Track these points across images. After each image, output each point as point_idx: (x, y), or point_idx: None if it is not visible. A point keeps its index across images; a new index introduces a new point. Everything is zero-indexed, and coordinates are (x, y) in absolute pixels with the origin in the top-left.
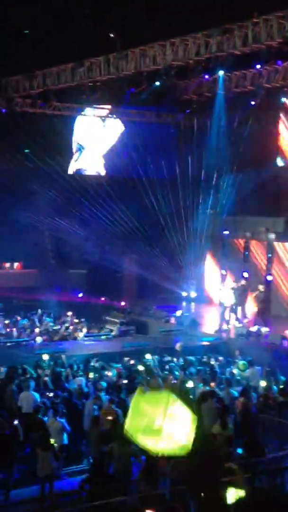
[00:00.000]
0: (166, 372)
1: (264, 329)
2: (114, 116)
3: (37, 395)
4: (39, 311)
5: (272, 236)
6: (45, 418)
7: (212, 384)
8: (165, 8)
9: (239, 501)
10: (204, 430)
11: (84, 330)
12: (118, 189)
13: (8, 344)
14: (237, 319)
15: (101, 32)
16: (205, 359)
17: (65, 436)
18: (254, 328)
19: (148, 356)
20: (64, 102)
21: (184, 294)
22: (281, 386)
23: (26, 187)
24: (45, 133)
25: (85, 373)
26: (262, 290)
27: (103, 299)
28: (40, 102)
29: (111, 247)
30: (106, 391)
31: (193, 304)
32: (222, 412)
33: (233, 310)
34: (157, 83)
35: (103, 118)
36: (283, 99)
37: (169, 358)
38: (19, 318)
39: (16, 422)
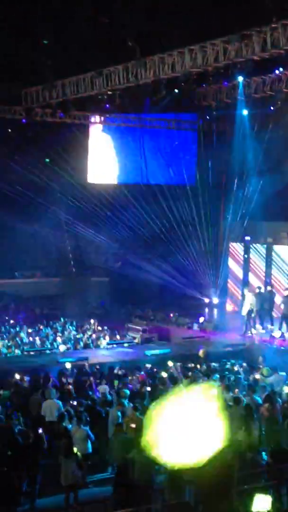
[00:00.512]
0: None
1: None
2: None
3: (60, 403)
4: (62, 319)
5: None
6: (69, 426)
7: (236, 390)
8: (183, 15)
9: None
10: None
11: (107, 338)
12: (138, 196)
13: (32, 353)
14: (261, 324)
15: (119, 40)
16: (228, 366)
17: (89, 444)
18: (278, 334)
19: (170, 363)
20: (83, 111)
21: (206, 300)
22: None
23: (46, 196)
24: (65, 143)
25: (109, 381)
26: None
27: (125, 306)
28: (60, 111)
29: (133, 255)
30: (129, 398)
31: (215, 310)
32: (247, 418)
33: (257, 315)
34: (176, 90)
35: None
36: None
37: (192, 365)
38: (41, 327)
39: (40, 430)
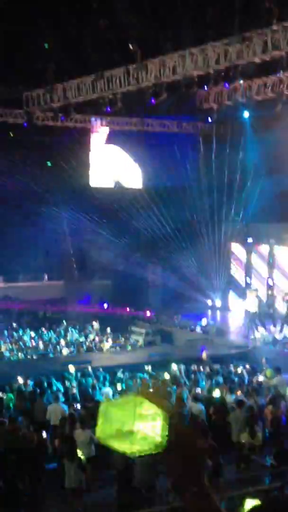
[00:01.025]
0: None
1: None
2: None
3: (66, 408)
4: (64, 323)
5: None
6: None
7: (239, 392)
8: (183, 18)
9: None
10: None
11: (110, 341)
12: (140, 199)
13: (35, 356)
14: (263, 326)
15: (120, 43)
16: (231, 368)
17: (93, 447)
18: (280, 336)
19: (174, 366)
20: (84, 114)
21: (209, 302)
22: None
23: (48, 200)
24: (66, 146)
25: (112, 384)
26: None
27: (128, 309)
28: (61, 115)
29: (135, 257)
30: None
31: (218, 312)
32: (251, 421)
33: (259, 318)
34: (178, 93)
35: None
36: None
37: (195, 367)
38: (45, 330)
39: (44, 434)
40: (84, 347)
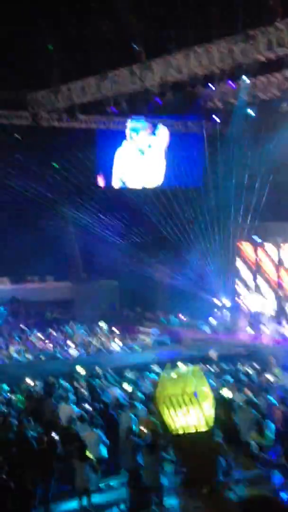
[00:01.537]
0: None
1: None
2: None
3: (75, 408)
4: (72, 323)
5: None
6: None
7: (248, 391)
8: (187, 17)
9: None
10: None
11: (118, 341)
12: (146, 198)
13: (43, 358)
14: (271, 325)
15: (124, 44)
16: (240, 367)
17: (102, 448)
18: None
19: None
20: (89, 115)
21: (217, 301)
22: None
23: (55, 201)
24: (72, 147)
25: (120, 384)
26: None
27: (136, 309)
28: (66, 116)
29: (142, 257)
30: (141, 401)
31: (226, 311)
32: (259, 419)
33: (268, 316)
34: (183, 93)
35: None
36: None
37: (204, 367)
38: (52, 331)
39: (53, 435)
40: (92, 348)
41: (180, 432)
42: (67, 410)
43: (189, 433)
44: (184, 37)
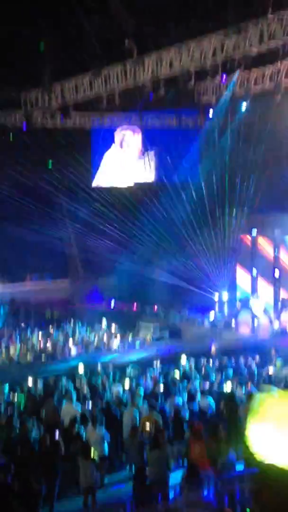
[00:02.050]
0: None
1: None
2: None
3: (78, 407)
4: (72, 322)
5: None
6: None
7: (249, 385)
8: (178, 12)
9: None
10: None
11: (118, 338)
12: (143, 195)
13: (44, 357)
14: (271, 318)
15: (116, 40)
16: (241, 360)
17: (105, 445)
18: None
19: (183, 359)
20: (83, 113)
21: (216, 296)
22: None
23: (51, 201)
24: (67, 146)
25: (122, 381)
26: None
27: (135, 306)
28: (60, 115)
29: (140, 253)
30: (143, 398)
31: (226, 305)
32: None
33: (267, 309)
34: (175, 88)
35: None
36: None
37: (204, 361)
38: (52, 330)
39: (57, 435)
40: (93, 345)
41: (273, 462)
42: (70, 409)
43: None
44: (175, 32)
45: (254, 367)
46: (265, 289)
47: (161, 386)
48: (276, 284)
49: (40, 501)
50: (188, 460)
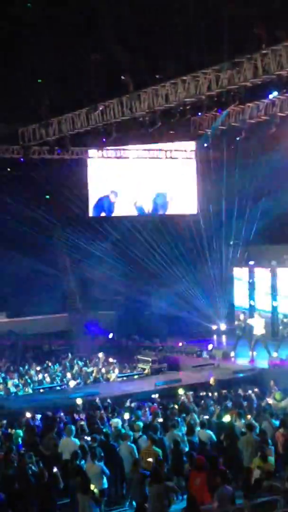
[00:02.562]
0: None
1: None
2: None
3: (77, 441)
4: (70, 355)
5: None
6: (83, 463)
7: (249, 416)
8: (174, 47)
9: None
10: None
11: (117, 370)
12: (140, 227)
13: (42, 390)
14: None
15: (112, 75)
16: (240, 392)
17: (104, 479)
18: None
19: (181, 392)
20: (80, 146)
21: (214, 327)
22: None
23: (48, 233)
24: (64, 179)
25: (121, 414)
26: None
27: (133, 338)
28: (57, 148)
29: (138, 286)
30: (142, 431)
31: (224, 336)
32: (262, 444)
33: (265, 340)
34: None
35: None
36: None
37: (204, 393)
38: (50, 363)
39: (55, 469)
40: (91, 378)
41: None
42: (68, 443)
43: None
44: (171, 67)
45: (253, 398)
46: (262, 319)
47: (160, 418)
48: (274, 313)
49: None
50: (188, 493)
